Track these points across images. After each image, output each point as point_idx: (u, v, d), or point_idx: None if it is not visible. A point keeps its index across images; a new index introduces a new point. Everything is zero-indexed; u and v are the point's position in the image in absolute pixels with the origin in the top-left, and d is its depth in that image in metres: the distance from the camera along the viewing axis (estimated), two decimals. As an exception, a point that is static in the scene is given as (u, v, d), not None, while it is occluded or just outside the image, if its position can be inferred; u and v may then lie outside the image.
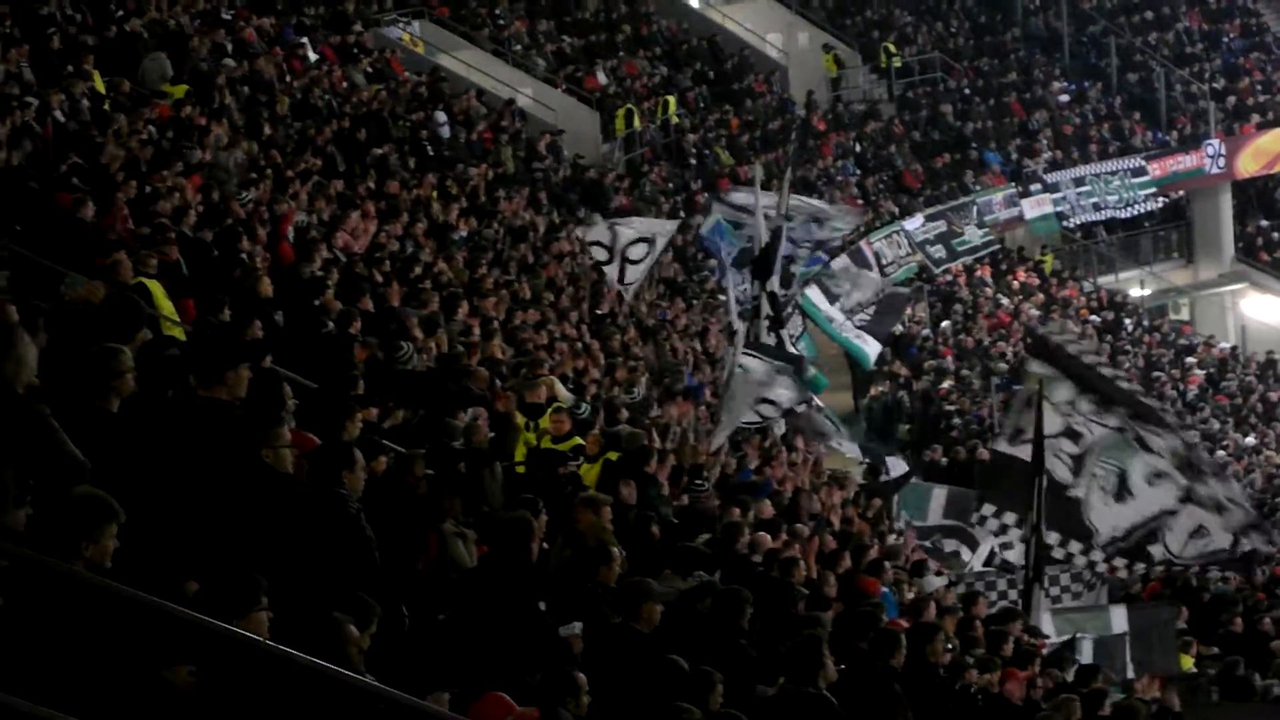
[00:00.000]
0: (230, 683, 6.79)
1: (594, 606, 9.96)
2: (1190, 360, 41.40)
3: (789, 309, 25.55)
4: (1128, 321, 42.53)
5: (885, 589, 16.21)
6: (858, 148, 43.53)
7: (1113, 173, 44.14)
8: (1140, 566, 18.35)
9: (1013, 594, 19.17)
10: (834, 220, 26.33)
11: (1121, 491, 17.99)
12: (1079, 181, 43.78)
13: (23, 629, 6.30)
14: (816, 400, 24.84)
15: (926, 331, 37.50)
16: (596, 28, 41.75)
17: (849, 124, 44.49)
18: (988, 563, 21.81)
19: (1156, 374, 39.66)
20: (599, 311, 25.27)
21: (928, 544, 22.30)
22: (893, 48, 46.59)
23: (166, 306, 13.20)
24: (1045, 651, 16.51)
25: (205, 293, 13.66)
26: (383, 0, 36.25)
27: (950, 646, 13.83)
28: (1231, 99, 47.92)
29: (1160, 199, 45.35)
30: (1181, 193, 46.51)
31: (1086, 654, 17.71)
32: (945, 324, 38.23)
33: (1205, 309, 47.24)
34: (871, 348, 27.62)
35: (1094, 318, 41.57)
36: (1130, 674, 17.86)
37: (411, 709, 7.70)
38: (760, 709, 10.00)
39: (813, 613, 12.31)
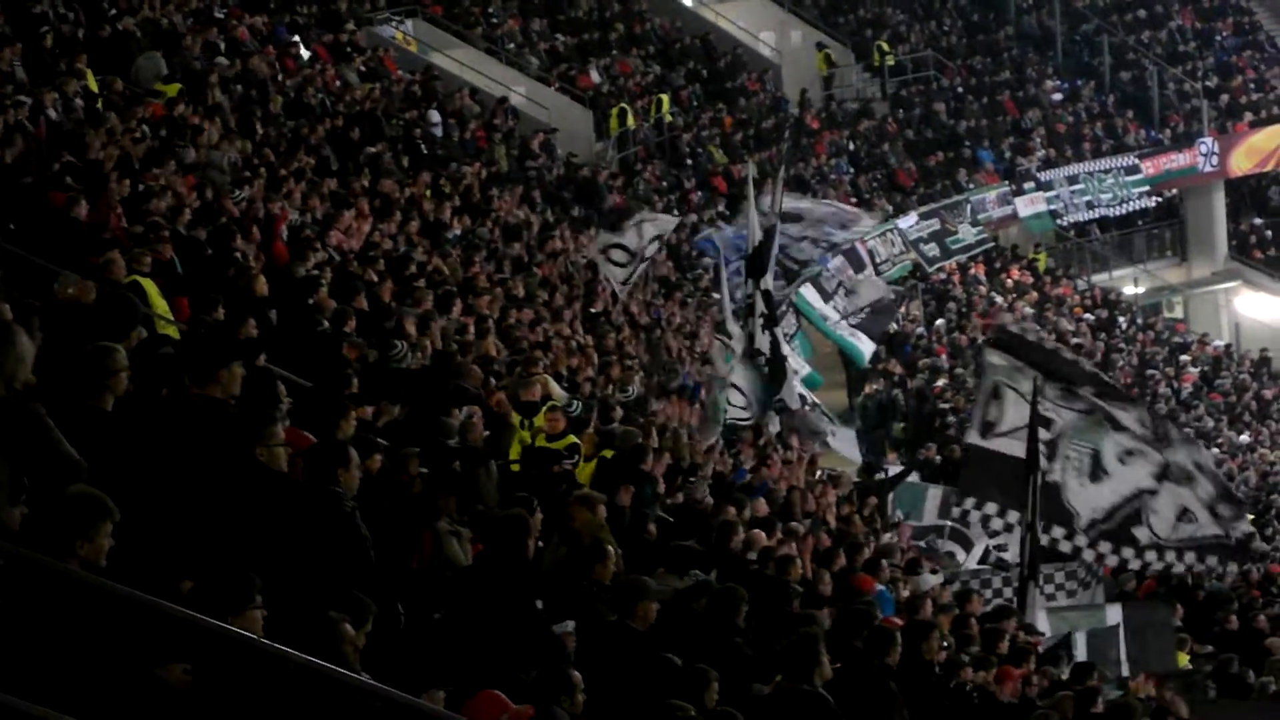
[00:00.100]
0: (225, 681, 6.78)
1: (589, 604, 9.96)
2: (1184, 358, 41.48)
3: (783, 307, 25.55)
4: (1122, 320, 42.57)
5: (881, 587, 16.22)
6: (851, 146, 43.50)
7: (1106, 171, 44.14)
8: (1129, 552, 18.20)
9: (1008, 592, 19.11)
10: (858, 223, 26.33)
11: (1096, 471, 17.96)
12: (1072, 180, 43.77)
13: (18, 628, 6.29)
14: (812, 398, 24.85)
15: (921, 330, 37.51)
16: (590, 26, 41.71)
17: (842, 122, 44.47)
18: (983, 561, 21.80)
19: (1151, 372, 39.74)
20: (593, 310, 25.26)
21: (922, 544, 22.27)
22: (886, 46, 46.58)
23: (161, 305, 13.18)
24: (1040, 649, 16.51)
25: (199, 291, 13.63)
26: (375, -1, 36.26)
27: (945, 644, 13.82)
28: (1224, 97, 47.95)
29: (1154, 197, 45.41)
30: (1175, 191, 46.59)
31: (1080, 649, 17.69)
32: (939, 322, 38.24)
33: (1199, 307, 47.29)
34: (866, 346, 27.65)
35: (1088, 316, 41.62)
36: (1125, 671, 17.85)
37: (407, 707, 7.69)
38: (756, 707, 9.99)
39: (808, 611, 12.32)
